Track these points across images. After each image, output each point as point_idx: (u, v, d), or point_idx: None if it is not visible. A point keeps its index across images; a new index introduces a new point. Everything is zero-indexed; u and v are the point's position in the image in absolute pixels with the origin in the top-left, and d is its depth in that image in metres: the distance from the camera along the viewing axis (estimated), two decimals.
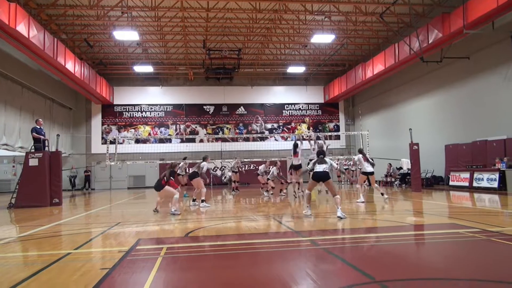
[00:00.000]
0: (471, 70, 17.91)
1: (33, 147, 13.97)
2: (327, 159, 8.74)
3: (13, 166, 24.32)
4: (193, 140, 28.79)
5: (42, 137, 14.11)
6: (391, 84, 24.65)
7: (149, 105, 29.44)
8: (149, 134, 28.98)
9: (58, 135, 16.04)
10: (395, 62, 20.19)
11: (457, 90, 18.99)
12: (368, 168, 11.83)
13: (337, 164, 16.77)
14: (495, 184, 14.99)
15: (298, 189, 14.33)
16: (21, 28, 14.88)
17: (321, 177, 8.51)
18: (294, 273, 4.17)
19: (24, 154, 14.90)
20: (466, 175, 16.88)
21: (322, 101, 30.97)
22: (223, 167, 26.66)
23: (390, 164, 21.65)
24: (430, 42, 17.29)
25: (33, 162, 13.47)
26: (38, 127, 14.18)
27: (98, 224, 8.58)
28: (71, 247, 5.81)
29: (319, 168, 8.55)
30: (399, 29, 21.24)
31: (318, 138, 14.74)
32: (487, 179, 15.54)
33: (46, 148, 14.26)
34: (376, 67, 22.21)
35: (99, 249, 5.88)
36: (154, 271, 4.29)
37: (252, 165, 26.94)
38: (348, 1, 18.66)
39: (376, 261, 4.67)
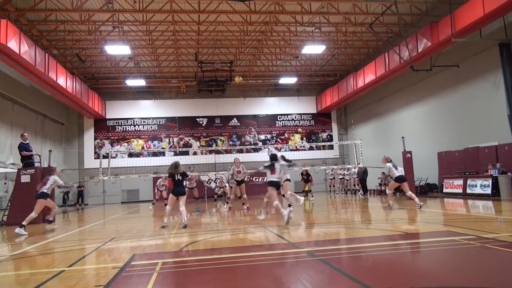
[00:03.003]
0: (461, 78, 18.14)
1: (24, 163, 13.76)
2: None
3: (5, 183, 23.99)
4: (186, 153, 28.71)
5: (33, 153, 13.93)
6: (382, 93, 24.86)
7: (141, 118, 29.38)
8: (142, 147, 28.86)
9: (50, 150, 15.92)
10: (385, 71, 20.40)
11: (447, 98, 19.19)
12: (401, 173, 12.45)
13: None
14: (488, 190, 15.08)
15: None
16: (12, 44, 14.84)
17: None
18: (292, 285, 4.14)
19: (15, 170, 14.73)
20: (460, 182, 16.97)
21: (314, 111, 31.12)
22: (217, 179, 26.55)
23: (383, 173, 21.68)
24: (419, 51, 17.51)
25: (25, 178, 13.32)
26: (25, 142, 13.77)
27: (91, 240, 8.47)
28: (64, 265, 5.72)
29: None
30: (389, 39, 21.51)
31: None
32: (480, 185, 15.63)
33: (38, 164, 14.09)
34: (367, 76, 22.41)
35: (93, 265, 5.79)
36: (149, 287, 4.23)
37: (246, 177, 26.88)
38: (338, 12, 18.88)
39: (374, 271, 4.65)
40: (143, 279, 4.64)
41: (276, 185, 9.76)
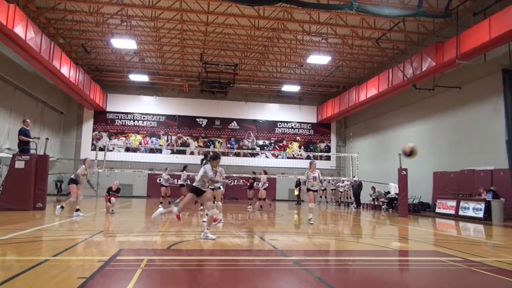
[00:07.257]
0: (462, 100, 18.19)
1: (20, 149, 13.76)
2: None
3: None
4: (183, 152, 28.65)
5: (30, 139, 13.94)
6: (383, 108, 24.92)
7: (142, 114, 29.36)
8: (140, 143, 28.83)
9: (47, 138, 15.89)
10: (388, 87, 20.45)
11: (447, 119, 19.24)
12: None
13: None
14: (480, 214, 15.07)
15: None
16: (19, 30, 14.86)
17: None
18: None
19: (11, 155, 14.69)
20: (453, 203, 16.96)
21: (314, 121, 31.16)
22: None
23: (373, 187, 21.64)
24: (423, 69, 17.57)
25: (19, 164, 13.30)
26: (27, 128, 13.94)
27: (80, 232, 8.45)
28: (50, 254, 5.71)
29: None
30: (394, 55, 21.59)
31: None
32: (473, 208, 15.62)
33: (34, 151, 14.07)
34: (370, 91, 22.47)
35: (79, 257, 5.78)
36: (132, 282, 4.22)
37: (241, 180, 26.99)
38: (346, 24, 18.97)
39: (358, 285, 4.65)
40: (127, 274, 4.63)
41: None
